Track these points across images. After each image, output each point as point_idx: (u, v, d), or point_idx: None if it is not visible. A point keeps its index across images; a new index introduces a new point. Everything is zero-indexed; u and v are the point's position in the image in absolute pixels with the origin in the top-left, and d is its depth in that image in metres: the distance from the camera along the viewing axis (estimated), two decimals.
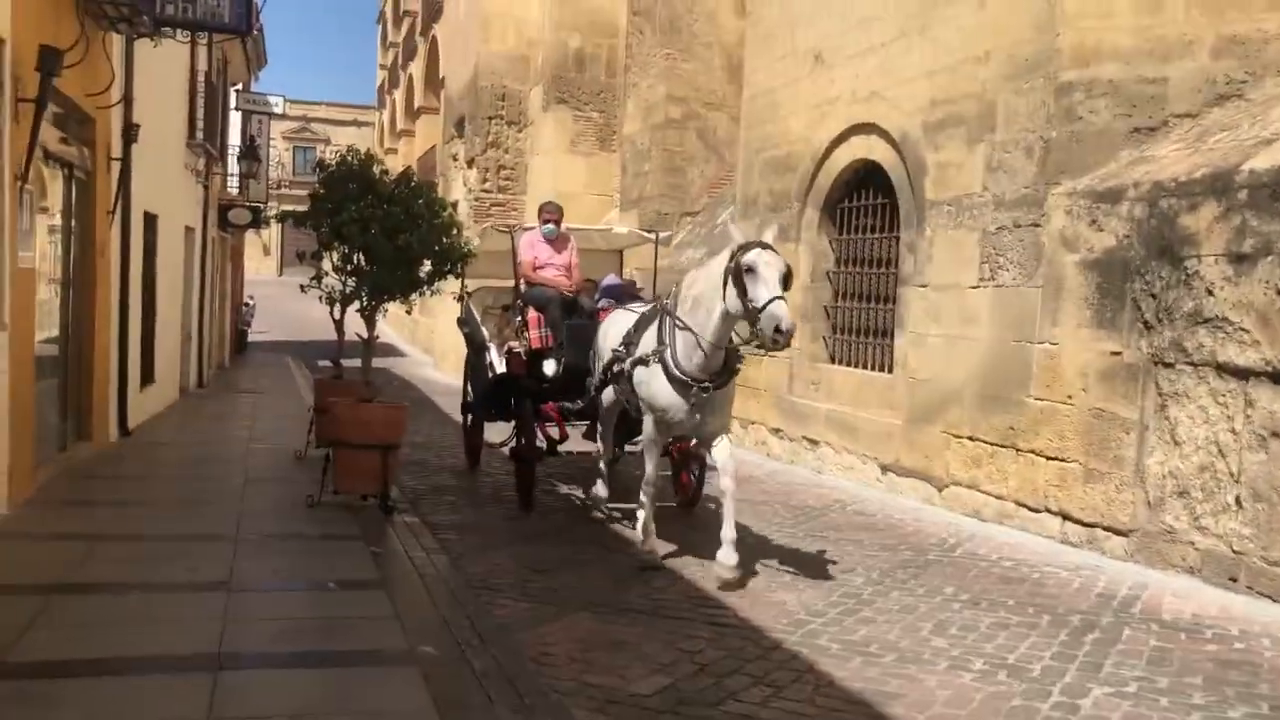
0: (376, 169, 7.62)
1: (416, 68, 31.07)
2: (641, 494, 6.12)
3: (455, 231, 7.65)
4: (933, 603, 5.34)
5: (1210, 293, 5.71)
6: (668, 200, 14.37)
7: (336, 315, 8.40)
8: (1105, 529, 6.38)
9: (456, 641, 4.49)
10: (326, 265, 7.67)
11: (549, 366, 7.38)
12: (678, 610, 5.09)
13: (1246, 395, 5.48)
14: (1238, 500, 5.51)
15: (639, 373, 6.01)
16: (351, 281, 7.59)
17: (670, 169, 14.39)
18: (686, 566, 5.94)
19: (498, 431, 8.73)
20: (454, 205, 9.84)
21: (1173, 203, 5.99)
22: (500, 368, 8.14)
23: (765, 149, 10.85)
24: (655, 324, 6.03)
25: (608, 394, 6.83)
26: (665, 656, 4.43)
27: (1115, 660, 4.46)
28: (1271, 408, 5.34)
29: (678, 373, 5.69)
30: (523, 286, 7.85)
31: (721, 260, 5.50)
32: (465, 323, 9.01)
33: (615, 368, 6.39)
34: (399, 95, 35.19)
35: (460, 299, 9.05)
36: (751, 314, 5.19)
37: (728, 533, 5.49)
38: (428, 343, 24.41)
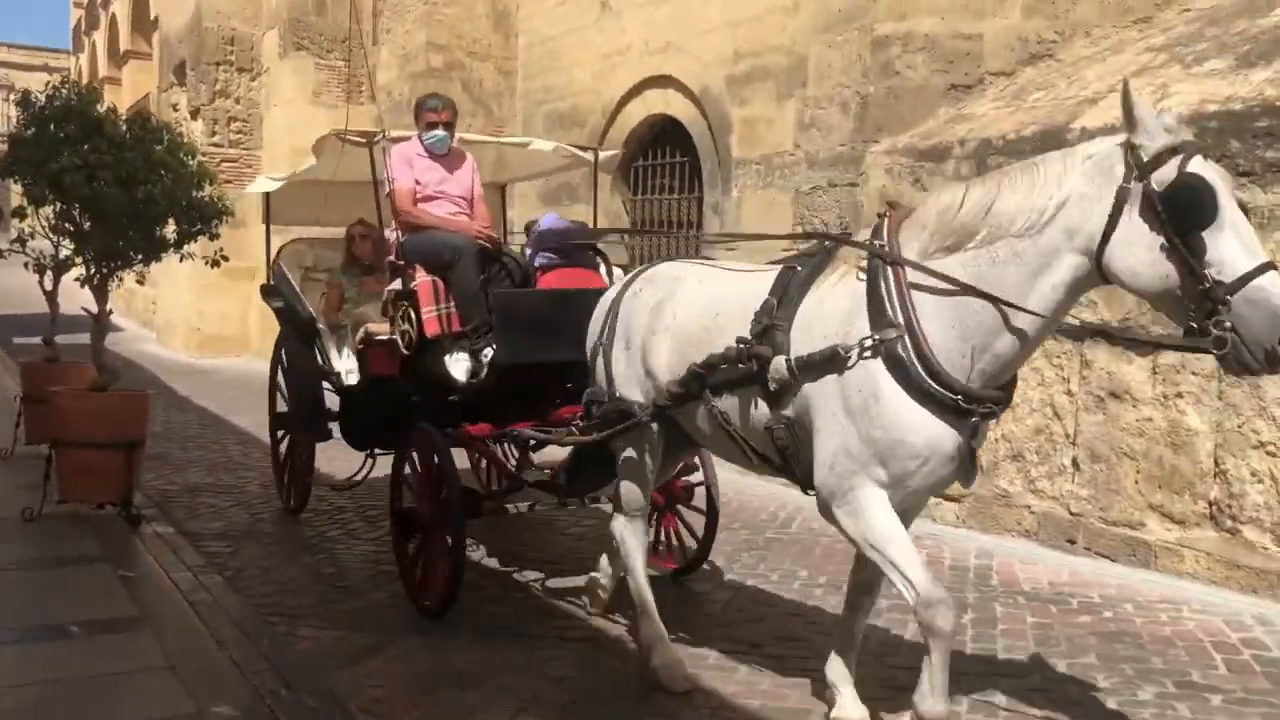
0: (102, 106, 6.21)
1: (120, 6, 27.61)
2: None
3: (209, 183, 6.38)
4: (791, 588, 4.93)
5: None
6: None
7: (48, 285, 6.90)
8: (937, 496, 6.24)
9: (257, 693, 3.57)
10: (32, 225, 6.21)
11: (459, 366, 4.56)
12: (525, 626, 4.37)
13: (1083, 356, 5.43)
14: (1074, 462, 5.47)
15: (825, 388, 3.03)
16: (69, 244, 6.19)
17: None
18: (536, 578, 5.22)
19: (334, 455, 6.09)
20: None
21: (1002, 161, 5.82)
22: (347, 368, 5.83)
23: (548, 101, 10.12)
24: (843, 285, 3.08)
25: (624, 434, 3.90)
26: (528, 687, 3.71)
27: (1005, 645, 4.21)
28: (1109, 368, 5.31)
29: (933, 384, 2.87)
30: (395, 234, 4.94)
31: (1096, 159, 2.78)
32: (275, 293, 6.31)
33: (715, 376, 3.37)
34: (100, 37, 31.24)
35: (269, 262, 6.47)
36: (1205, 292, 2.57)
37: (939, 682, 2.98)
38: (147, 315, 21.80)
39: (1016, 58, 6.56)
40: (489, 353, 4.55)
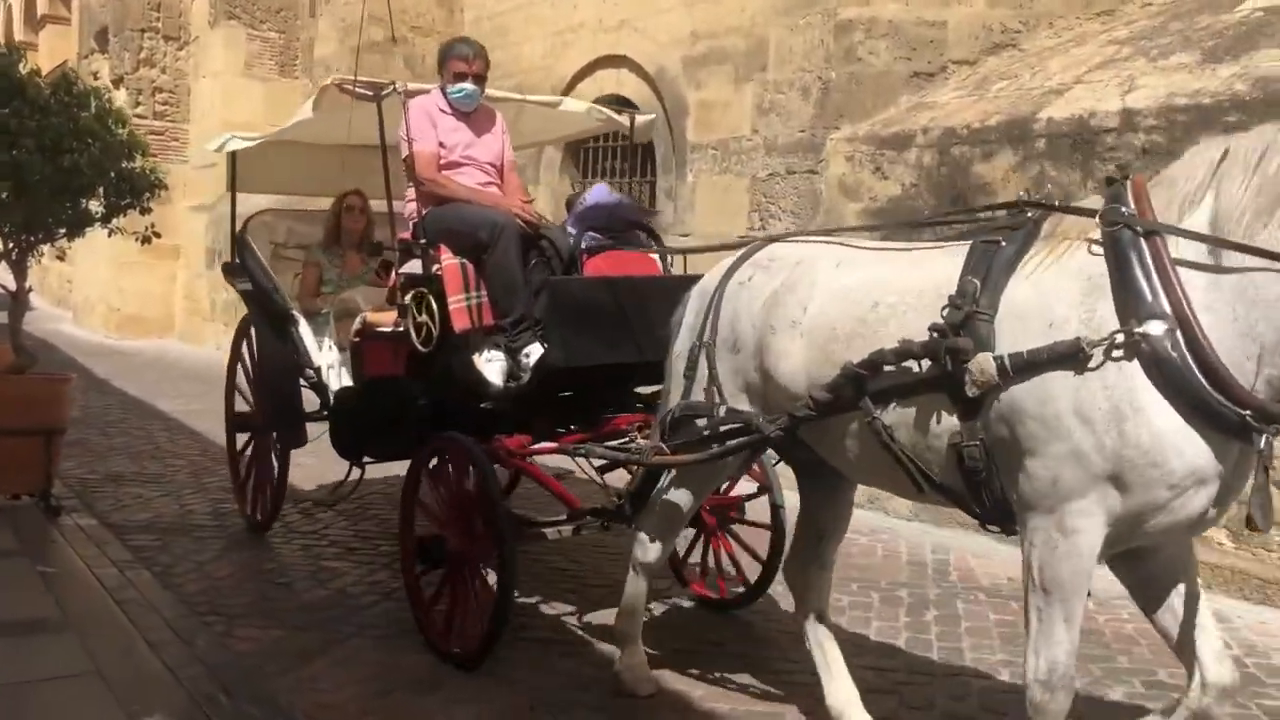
0: (24, 67, 5.78)
1: None
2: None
3: (141, 154, 5.99)
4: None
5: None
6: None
7: None
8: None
9: (193, 700, 3.32)
10: None
11: (493, 367, 3.84)
12: None
13: None
14: None
15: (1048, 392, 2.40)
16: None
17: None
18: None
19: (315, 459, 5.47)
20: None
21: (966, 150, 5.77)
22: (327, 361, 4.94)
23: (494, 79, 9.78)
24: (1069, 263, 2.48)
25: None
26: (493, 693, 3.50)
27: (972, 644, 4.12)
28: None
29: (1217, 395, 2.26)
30: (409, 207, 4.25)
31: None
32: (241, 272, 5.35)
33: (879, 380, 2.68)
34: (15, 0, 29.88)
35: (234, 235, 5.47)
36: None
37: None
38: (62, 293, 20.91)
39: (980, 47, 6.49)
40: (531, 352, 3.83)
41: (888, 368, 2.64)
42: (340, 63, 13.43)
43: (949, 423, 2.56)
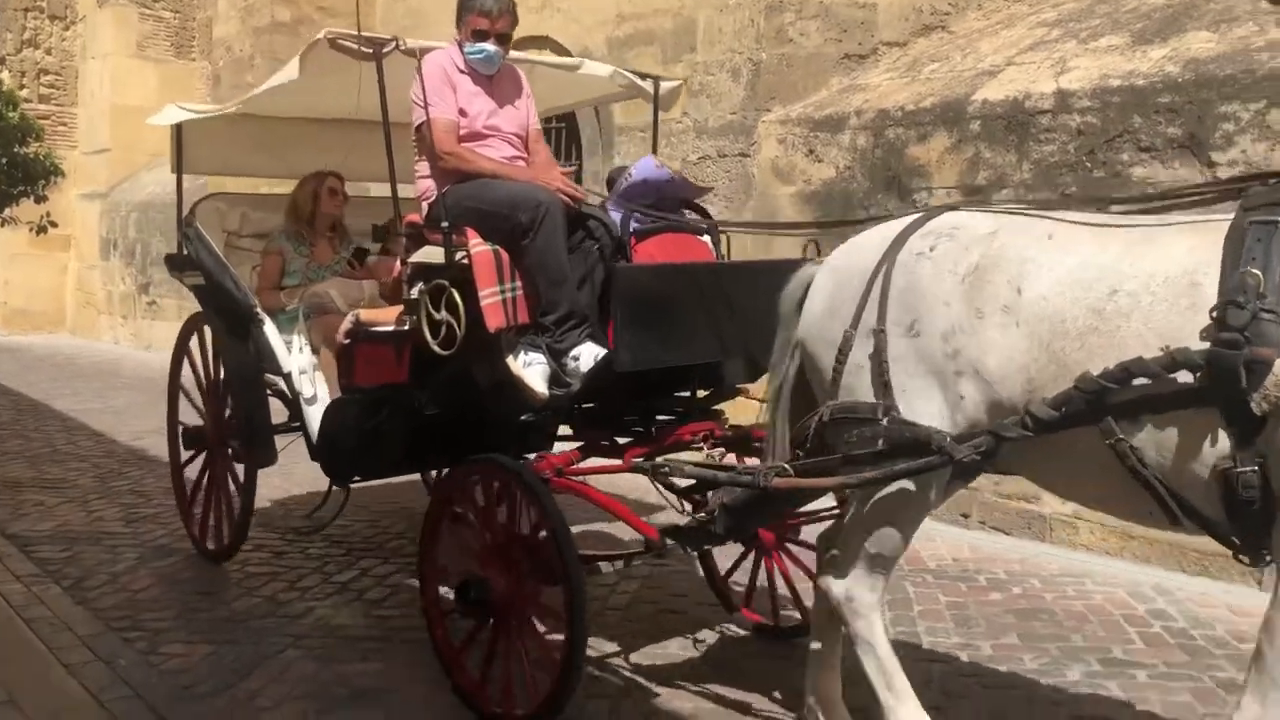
0: None
1: None
2: None
3: (34, 138, 5.58)
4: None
5: None
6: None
7: None
8: None
9: None
10: None
11: (535, 372, 3.31)
12: (420, 631, 3.94)
13: None
14: None
15: None
16: None
17: None
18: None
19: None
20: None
21: (900, 133, 5.74)
22: (299, 365, 4.30)
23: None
24: None
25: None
26: (436, 701, 3.31)
27: (927, 628, 4.08)
28: None
29: None
30: (421, 185, 3.68)
31: None
32: (190, 265, 4.71)
33: (1125, 392, 2.20)
34: None
35: (181, 221, 4.78)
36: None
37: None
38: None
39: (910, 29, 6.47)
40: (581, 353, 3.28)
41: (1141, 380, 2.15)
42: (243, 43, 12.90)
43: (1221, 445, 2.13)
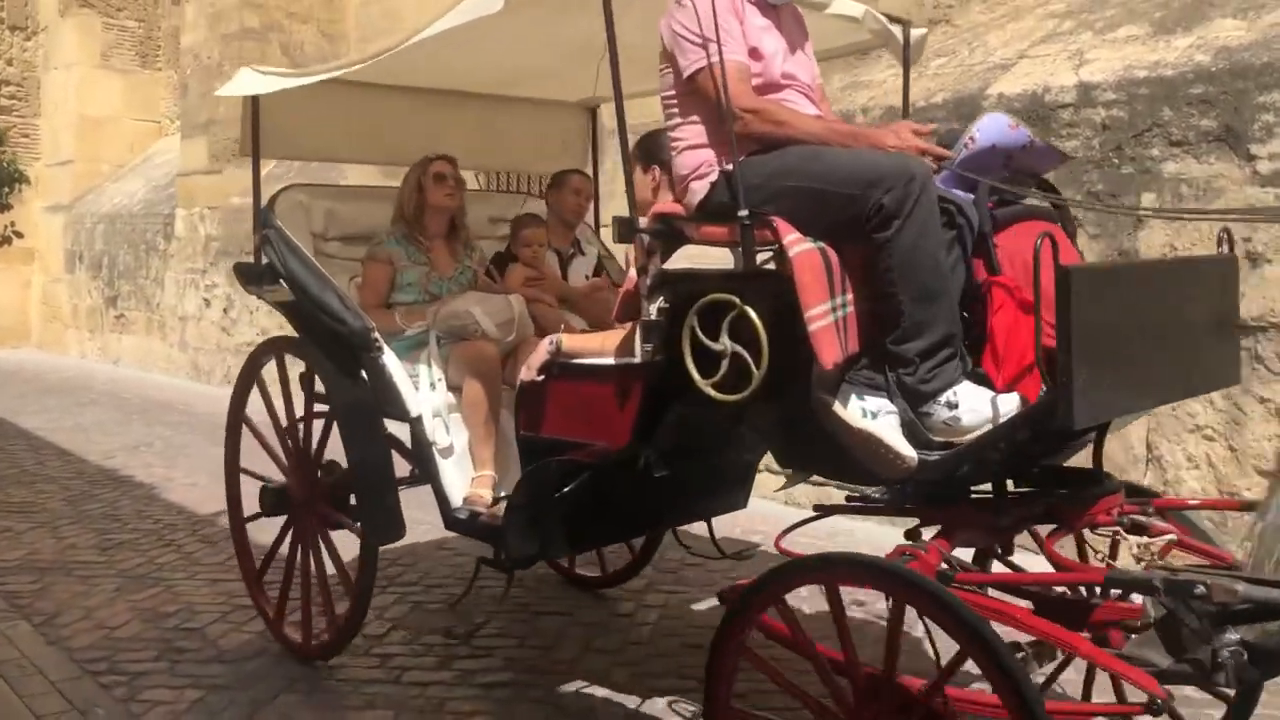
0: None
1: None
2: None
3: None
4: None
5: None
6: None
7: None
8: None
9: None
10: None
11: (888, 428, 2.32)
12: (428, 673, 3.65)
13: None
14: None
15: None
16: None
17: None
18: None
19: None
20: None
21: None
22: (432, 407, 3.43)
23: None
24: None
25: None
26: None
27: None
28: None
29: None
30: (686, 159, 2.66)
31: None
32: (270, 276, 3.68)
33: None
34: None
35: (258, 220, 3.74)
36: None
37: None
38: None
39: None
40: (963, 398, 2.31)
41: None
42: (211, 51, 12.54)
43: None
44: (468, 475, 3.37)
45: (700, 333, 2.40)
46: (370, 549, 3.46)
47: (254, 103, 3.78)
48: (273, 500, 3.77)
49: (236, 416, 3.98)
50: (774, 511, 4.79)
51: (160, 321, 12.58)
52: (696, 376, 2.42)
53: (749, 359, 2.33)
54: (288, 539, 3.80)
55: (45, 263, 15.14)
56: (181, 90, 13.18)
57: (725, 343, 2.36)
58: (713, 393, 2.39)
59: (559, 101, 4.51)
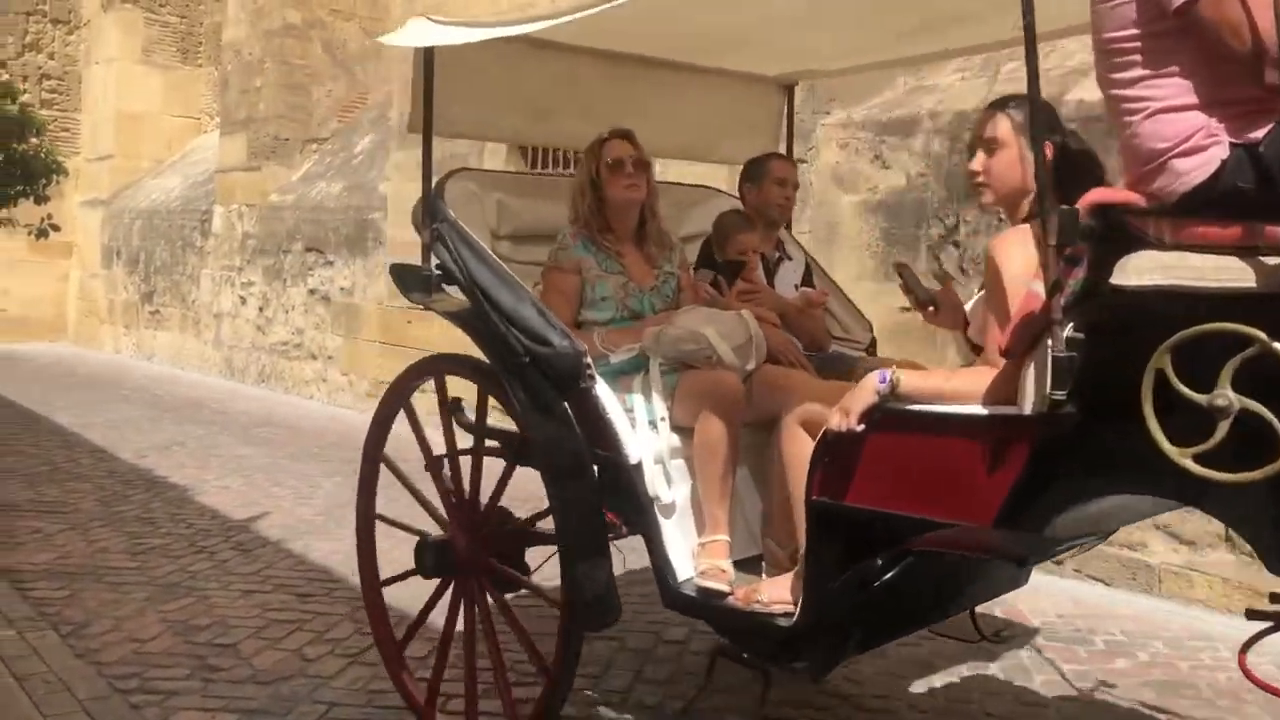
0: None
1: None
2: None
3: (36, 133, 5.10)
4: None
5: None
6: (288, 123, 11.90)
7: None
8: None
9: None
10: None
11: None
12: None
13: None
14: None
15: None
16: None
17: (291, 85, 11.92)
18: None
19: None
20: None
21: None
22: (653, 452, 2.74)
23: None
24: None
25: None
26: None
27: (1056, 708, 3.58)
28: None
29: None
30: (1199, 127, 1.88)
31: None
32: (446, 279, 3.02)
33: None
34: None
35: (428, 211, 3.02)
36: None
37: None
38: None
39: None
40: None
41: None
42: (252, 47, 12.47)
43: None
44: (690, 538, 2.74)
45: (1176, 378, 1.75)
46: (575, 634, 2.76)
47: (428, 63, 3.00)
48: (435, 558, 3.05)
49: (375, 453, 3.29)
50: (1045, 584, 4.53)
51: (195, 318, 12.52)
52: (1165, 443, 1.74)
53: (1274, 421, 1.66)
54: (434, 602, 3.17)
55: (83, 257, 15.16)
56: (222, 86, 13.13)
57: (1228, 395, 1.69)
58: (1197, 467, 1.72)
59: (753, 75, 3.82)
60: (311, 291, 10.47)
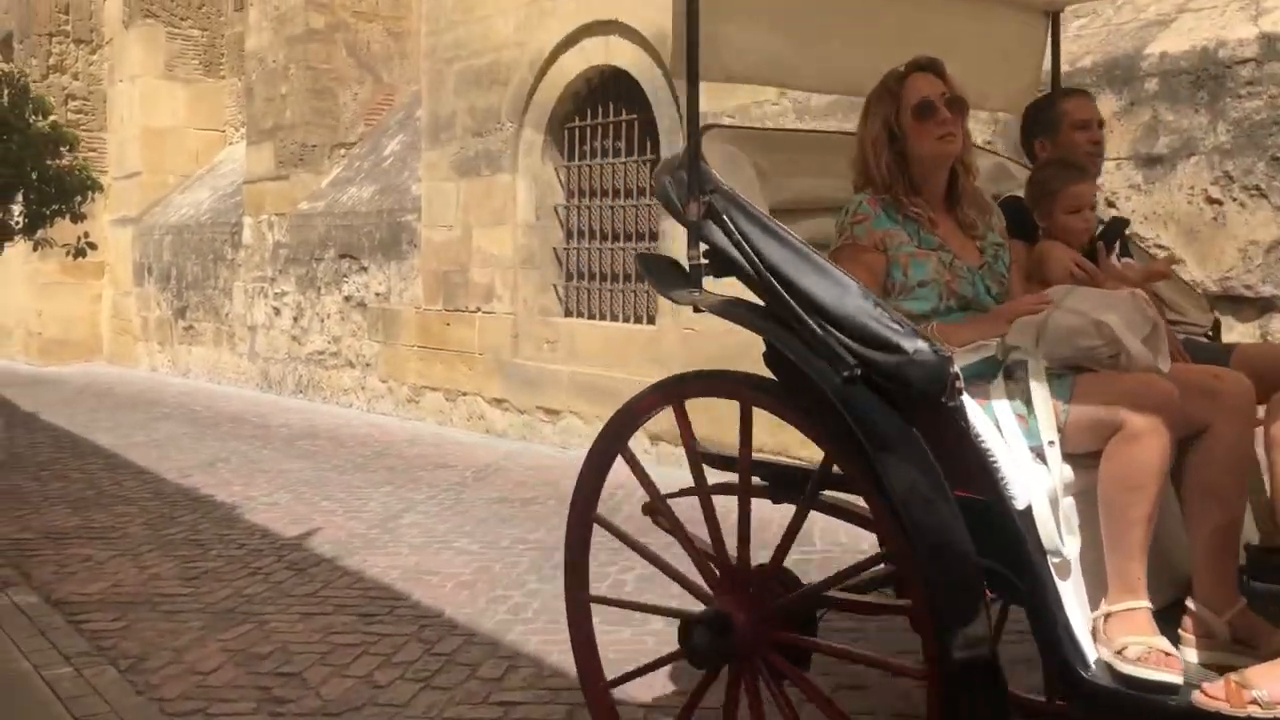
0: None
1: None
2: None
3: (69, 149, 4.91)
4: None
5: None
6: (315, 129, 11.73)
7: None
8: None
9: None
10: None
11: None
12: (549, 712, 3.20)
13: None
14: None
15: None
16: None
17: (316, 91, 11.75)
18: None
19: None
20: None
21: None
22: (1047, 492, 2.01)
23: (460, 58, 8.82)
24: None
25: None
26: None
27: None
28: None
29: None
30: None
31: None
32: (727, 268, 2.30)
33: None
34: None
35: (692, 157, 2.29)
36: None
37: None
38: None
39: None
40: None
41: None
42: (276, 54, 12.33)
43: None
44: (1084, 605, 2.07)
45: None
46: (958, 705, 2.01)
47: None
48: (709, 639, 2.32)
49: (588, 514, 2.64)
50: None
51: (229, 332, 12.40)
52: None
53: None
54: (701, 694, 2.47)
55: (115, 276, 15.11)
56: (247, 95, 12.99)
57: None
58: None
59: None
60: (346, 298, 10.30)
